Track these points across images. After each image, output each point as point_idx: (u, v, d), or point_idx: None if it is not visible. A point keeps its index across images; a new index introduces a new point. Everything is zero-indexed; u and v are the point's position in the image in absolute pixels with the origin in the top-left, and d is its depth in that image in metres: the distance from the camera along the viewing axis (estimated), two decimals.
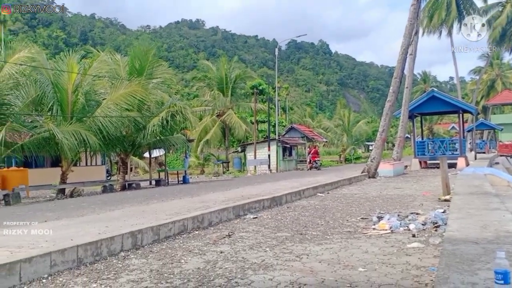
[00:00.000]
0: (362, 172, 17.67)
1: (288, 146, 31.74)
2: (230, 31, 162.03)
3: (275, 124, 35.48)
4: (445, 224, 5.72)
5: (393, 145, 31.57)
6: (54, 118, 14.62)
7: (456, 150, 22.80)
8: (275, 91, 39.93)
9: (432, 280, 3.69)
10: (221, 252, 5.07)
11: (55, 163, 17.83)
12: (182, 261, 4.74)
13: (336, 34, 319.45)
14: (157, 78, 18.91)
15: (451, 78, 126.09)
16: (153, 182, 19.63)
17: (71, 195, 14.71)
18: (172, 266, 4.52)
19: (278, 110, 40.45)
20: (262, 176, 23.87)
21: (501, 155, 32.45)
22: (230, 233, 6.27)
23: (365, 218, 7.31)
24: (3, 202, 12.43)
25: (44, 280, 4.09)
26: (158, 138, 17.77)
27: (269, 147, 28.94)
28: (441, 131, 57.10)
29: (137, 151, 20.13)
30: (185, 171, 23.26)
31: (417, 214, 7.32)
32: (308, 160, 27.90)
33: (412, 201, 9.46)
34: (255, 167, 29.25)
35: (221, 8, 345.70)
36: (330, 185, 13.36)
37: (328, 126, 47.34)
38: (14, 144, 13.38)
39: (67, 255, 4.49)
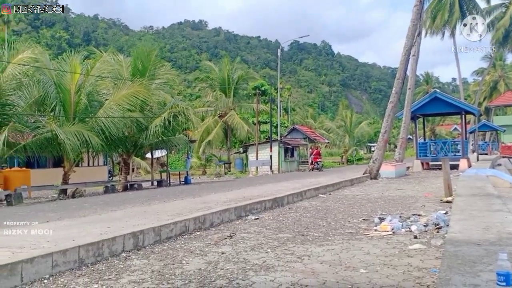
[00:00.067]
0: (364, 173, 17.65)
1: (290, 147, 31.70)
2: (233, 32, 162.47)
3: (277, 125, 35.47)
4: (447, 225, 5.71)
5: (395, 146, 31.49)
6: (57, 119, 14.64)
7: (458, 151, 22.77)
8: (277, 92, 39.96)
9: (434, 282, 3.68)
10: (223, 253, 5.07)
11: (57, 163, 17.87)
12: (184, 262, 4.74)
13: (338, 35, 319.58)
14: (159, 78, 18.90)
15: (454, 79, 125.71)
16: (155, 183, 19.64)
17: (73, 196, 14.74)
18: (174, 267, 4.52)
19: (280, 111, 40.42)
20: (264, 177, 23.84)
21: (503, 157, 32.29)
22: (232, 234, 6.27)
23: (367, 220, 7.31)
24: (5, 202, 12.45)
25: (45, 281, 4.09)
26: (160, 138, 17.75)
27: (271, 148, 28.89)
28: (443, 133, 57.06)
29: (139, 151, 20.12)
30: (187, 172, 23.30)
31: (419, 215, 7.30)
32: (310, 161, 27.84)
33: (414, 203, 9.44)
34: (257, 168, 29.23)
35: (224, 9, 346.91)
36: (332, 186, 13.34)
37: (330, 127, 47.36)
38: (17, 144, 13.41)
39: (68, 256, 4.49)
